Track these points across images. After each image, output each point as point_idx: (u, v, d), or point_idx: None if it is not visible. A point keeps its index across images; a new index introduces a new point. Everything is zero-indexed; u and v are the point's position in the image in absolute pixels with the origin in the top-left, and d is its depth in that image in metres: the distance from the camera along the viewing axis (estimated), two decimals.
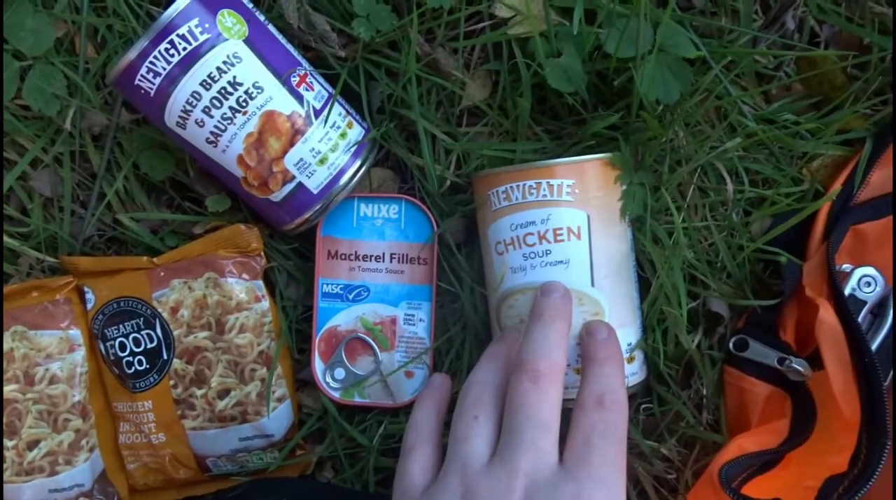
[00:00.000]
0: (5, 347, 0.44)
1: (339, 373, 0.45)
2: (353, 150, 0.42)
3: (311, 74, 0.42)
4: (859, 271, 0.39)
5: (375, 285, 0.45)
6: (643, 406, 0.41)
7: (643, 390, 0.42)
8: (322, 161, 0.41)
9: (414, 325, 0.44)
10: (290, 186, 0.41)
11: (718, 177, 0.41)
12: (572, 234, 0.38)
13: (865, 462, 0.32)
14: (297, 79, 0.41)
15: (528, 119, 0.44)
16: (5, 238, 0.46)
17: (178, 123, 0.39)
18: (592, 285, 0.38)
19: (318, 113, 0.41)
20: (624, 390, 0.34)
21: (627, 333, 0.39)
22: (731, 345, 0.39)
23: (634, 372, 0.39)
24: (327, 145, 0.41)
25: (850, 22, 0.42)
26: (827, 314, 0.35)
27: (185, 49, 0.37)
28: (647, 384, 0.41)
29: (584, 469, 0.30)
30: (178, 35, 0.37)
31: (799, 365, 0.36)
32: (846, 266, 0.39)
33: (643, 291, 0.41)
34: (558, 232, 0.38)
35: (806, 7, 0.41)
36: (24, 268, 0.47)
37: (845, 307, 0.34)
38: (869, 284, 0.39)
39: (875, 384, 0.32)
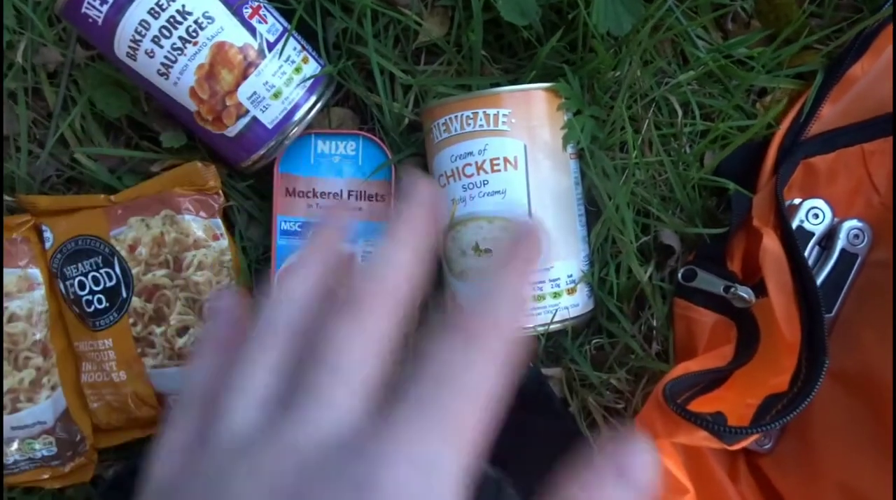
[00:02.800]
0: None
1: None
2: (307, 85, 0.42)
3: (265, 7, 0.41)
4: (808, 204, 0.39)
5: None
6: (593, 341, 0.41)
7: (586, 323, 0.42)
8: (276, 95, 0.41)
9: None
10: (244, 121, 0.41)
11: (671, 110, 0.41)
12: (509, 164, 0.38)
13: (805, 382, 0.33)
14: (250, 10, 0.40)
15: (481, 55, 0.43)
16: None
17: (127, 53, 0.39)
18: (529, 215, 0.39)
19: (271, 46, 0.41)
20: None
21: (569, 264, 0.39)
22: (679, 276, 0.39)
23: (576, 304, 0.40)
24: (281, 79, 0.41)
25: None
26: (771, 242, 0.35)
27: None
28: (592, 317, 0.42)
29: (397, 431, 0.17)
30: None
31: (744, 292, 0.36)
32: (796, 200, 0.40)
33: (594, 224, 0.41)
34: (495, 162, 0.38)
35: None
36: None
37: (789, 234, 0.35)
38: (817, 215, 0.39)
39: (815, 308, 0.32)
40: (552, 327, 0.39)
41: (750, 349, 0.34)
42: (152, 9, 0.38)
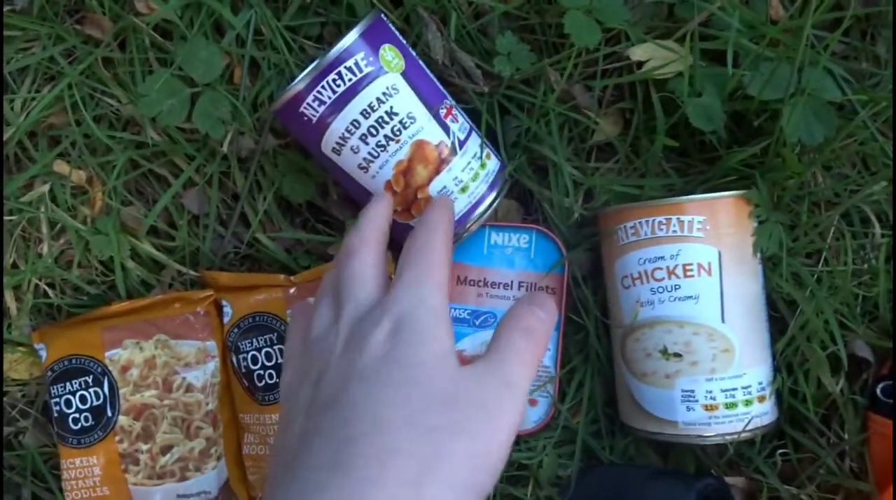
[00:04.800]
0: (148, 354, 0.47)
1: None
2: (490, 180, 0.43)
3: (455, 108, 0.44)
4: None
5: (503, 312, 0.45)
6: (779, 451, 0.40)
7: (774, 432, 0.41)
8: (463, 190, 0.43)
9: None
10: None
11: (861, 221, 0.41)
12: (703, 269, 0.39)
13: None
14: (445, 111, 0.43)
15: (659, 156, 0.44)
16: (154, 250, 0.49)
17: (333, 149, 0.42)
18: (723, 321, 0.38)
19: (462, 144, 0.43)
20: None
21: (759, 371, 0.39)
22: (878, 391, 0.38)
23: (766, 412, 0.39)
24: (469, 175, 0.43)
25: None
26: None
27: (350, 80, 0.40)
28: (778, 427, 0.41)
29: (395, 285, 0.32)
30: (345, 67, 0.39)
31: None
32: None
33: (774, 330, 0.41)
34: (688, 267, 0.39)
35: None
36: (166, 280, 0.49)
37: None
38: None
39: None
40: (742, 436, 0.38)
41: None
42: (364, 110, 0.40)
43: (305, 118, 0.41)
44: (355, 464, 0.26)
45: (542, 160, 0.47)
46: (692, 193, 0.42)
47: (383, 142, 0.41)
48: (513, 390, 0.29)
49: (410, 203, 0.42)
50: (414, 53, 0.43)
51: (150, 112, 0.43)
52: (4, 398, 0.50)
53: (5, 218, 0.46)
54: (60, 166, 0.45)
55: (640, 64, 0.43)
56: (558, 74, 0.45)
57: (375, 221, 0.36)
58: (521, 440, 0.45)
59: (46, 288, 0.49)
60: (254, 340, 0.47)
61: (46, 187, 0.45)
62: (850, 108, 0.41)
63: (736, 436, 0.38)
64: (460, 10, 0.45)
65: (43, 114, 0.45)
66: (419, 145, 0.41)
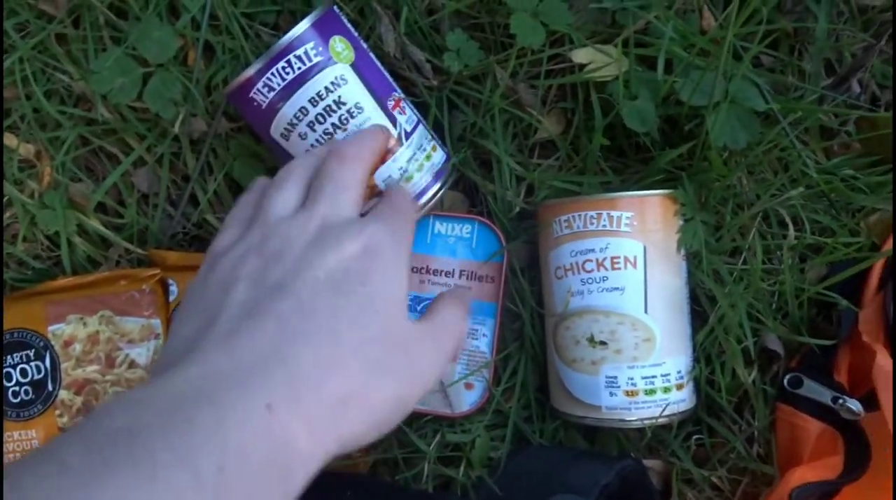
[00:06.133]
0: (92, 330, 0.47)
1: None
2: (435, 172, 0.45)
3: (404, 100, 0.45)
4: None
5: None
6: (694, 437, 0.43)
7: (690, 418, 0.44)
8: (408, 180, 0.44)
9: (477, 339, 0.47)
10: (376, 201, 0.44)
11: (778, 223, 0.44)
12: (629, 263, 0.41)
13: None
14: (393, 102, 0.44)
15: (597, 155, 0.47)
16: (101, 227, 0.49)
17: (282, 134, 0.43)
18: (646, 312, 0.41)
19: (408, 135, 0.44)
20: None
21: (678, 361, 0.41)
22: (785, 382, 0.41)
23: (683, 399, 0.41)
24: (414, 166, 0.44)
25: None
26: (884, 360, 0.37)
27: (299, 69, 0.41)
28: (695, 413, 0.43)
29: (373, 217, 0.33)
30: (294, 56, 0.41)
31: (853, 405, 0.37)
32: None
33: (696, 324, 0.43)
34: (615, 260, 0.41)
35: (871, 72, 0.44)
36: (113, 257, 0.50)
37: None
38: None
39: None
40: (659, 421, 0.40)
41: (861, 465, 0.35)
42: (312, 98, 0.41)
43: (255, 103, 0.42)
44: (301, 361, 0.26)
45: (487, 155, 0.48)
46: (625, 191, 0.44)
47: (331, 129, 0.42)
48: (441, 357, 0.31)
49: None
50: (365, 46, 0.44)
51: (102, 89, 0.43)
52: None
53: None
54: (9, 139, 0.45)
55: (581, 66, 0.45)
56: (504, 72, 0.46)
57: (374, 145, 0.38)
58: (455, 423, 0.47)
59: None
60: None
61: None
62: (774, 117, 0.44)
63: (654, 421, 0.40)
64: (413, 5, 0.47)
65: None
66: None
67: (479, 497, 0.42)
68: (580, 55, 0.46)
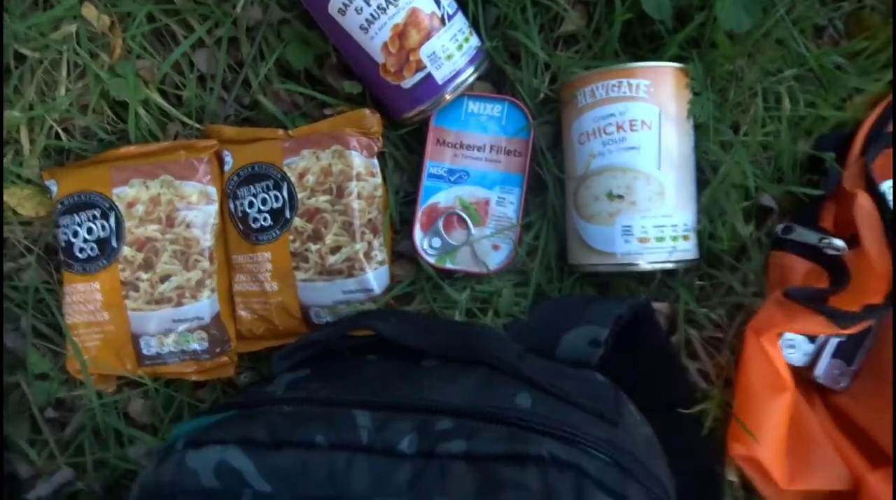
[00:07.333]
0: (154, 192, 0.52)
1: (436, 242, 0.52)
2: (471, 55, 0.50)
3: None
4: (886, 184, 0.47)
5: (475, 171, 0.53)
6: (697, 282, 0.48)
7: (694, 268, 0.49)
8: (449, 58, 0.49)
9: (504, 206, 0.52)
10: (420, 75, 0.49)
11: (775, 100, 0.49)
12: (645, 125, 0.46)
13: None
14: None
15: (615, 46, 0.52)
16: (162, 101, 0.53)
17: (339, 9, 0.48)
18: (659, 168, 0.46)
19: (450, 17, 0.49)
20: None
21: (685, 215, 0.47)
22: (779, 230, 0.46)
23: (688, 249, 0.47)
24: (454, 45, 0.49)
25: None
26: (864, 200, 0.42)
27: None
28: (698, 265, 0.49)
29: None
30: None
31: (837, 242, 0.43)
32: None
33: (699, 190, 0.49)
34: (633, 123, 0.46)
35: None
36: (171, 131, 0.55)
37: (878, 193, 0.42)
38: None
39: None
40: (667, 265, 0.46)
41: (844, 284, 0.41)
42: None
43: None
44: None
45: (515, 46, 0.54)
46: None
47: (384, 5, 0.47)
48: None
49: (403, 64, 0.49)
50: None
51: None
52: (9, 235, 0.54)
53: (29, 54, 0.51)
54: (88, 9, 0.50)
55: None
56: None
57: None
58: (484, 279, 0.52)
59: (60, 131, 0.53)
60: (251, 186, 0.53)
61: (74, 27, 0.50)
62: (774, 9, 0.49)
63: (662, 264, 0.46)
64: None
65: None
66: (414, 12, 0.48)
67: (509, 332, 0.47)
68: None
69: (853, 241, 0.43)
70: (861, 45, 0.49)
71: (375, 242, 0.52)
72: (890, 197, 0.45)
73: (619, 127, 0.46)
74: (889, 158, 0.48)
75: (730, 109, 0.48)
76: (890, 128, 0.48)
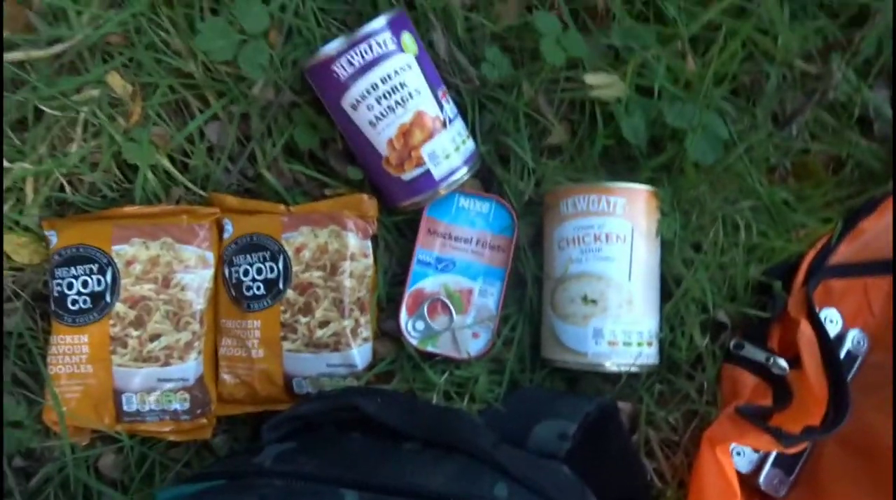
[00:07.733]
0: (153, 253, 0.54)
1: (420, 325, 0.56)
2: (465, 158, 0.55)
3: (447, 93, 0.55)
4: (826, 311, 0.53)
5: (461, 261, 0.57)
6: (656, 387, 0.53)
7: (655, 373, 0.54)
8: (447, 157, 0.54)
9: (486, 297, 0.56)
10: (419, 170, 0.53)
11: (732, 226, 0.55)
12: (619, 239, 0.51)
13: (834, 418, 0.43)
14: (441, 92, 0.54)
15: (595, 161, 0.58)
16: (171, 166, 0.56)
17: (352, 105, 0.52)
18: (629, 279, 0.51)
19: (450, 121, 0.54)
20: None
21: (650, 323, 0.52)
22: (731, 346, 0.52)
23: (651, 355, 0.52)
24: (452, 147, 0.54)
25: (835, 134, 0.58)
26: (806, 328, 0.48)
27: (377, 52, 0.51)
28: (659, 370, 0.53)
29: None
30: (374, 41, 0.50)
31: (781, 362, 0.48)
32: (817, 308, 0.53)
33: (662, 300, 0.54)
34: (609, 235, 0.52)
35: (806, 122, 0.57)
36: (174, 195, 0.57)
37: (818, 323, 0.48)
38: (832, 321, 0.53)
39: (838, 369, 0.45)
40: (633, 368, 0.50)
41: (786, 404, 0.46)
42: (383, 77, 0.51)
43: (335, 76, 0.51)
44: None
45: (506, 151, 0.59)
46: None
47: (393, 106, 0.52)
48: None
49: (405, 159, 0.53)
50: (423, 46, 0.55)
51: (205, 47, 0.52)
52: None
53: (50, 113, 0.53)
54: (114, 78, 0.52)
55: (590, 87, 0.57)
56: (529, 85, 0.57)
57: None
58: (462, 365, 0.55)
59: (65, 183, 0.55)
60: (248, 255, 0.55)
61: (97, 92, 0.52)
62: (734, 147, 0.56)
63: (628, 368, 0.50)
64: (457, 22, 0.58)
65: (105, 32, 0.52)
66: (420, 114, 0.52)
67: (485, 418, 0.51)
68: (590, 78, 0.57)
69: (797, 362, 0.48)
70: (808, 191, 0.56)
71: (362, 320, 0.55)
72: (830, 329, 0.51)
73: (596, 238, 0.51)
74: (828, 288, 0.54)
75: (692, 231, 0.54)
76: (829, 262, 0.55)
